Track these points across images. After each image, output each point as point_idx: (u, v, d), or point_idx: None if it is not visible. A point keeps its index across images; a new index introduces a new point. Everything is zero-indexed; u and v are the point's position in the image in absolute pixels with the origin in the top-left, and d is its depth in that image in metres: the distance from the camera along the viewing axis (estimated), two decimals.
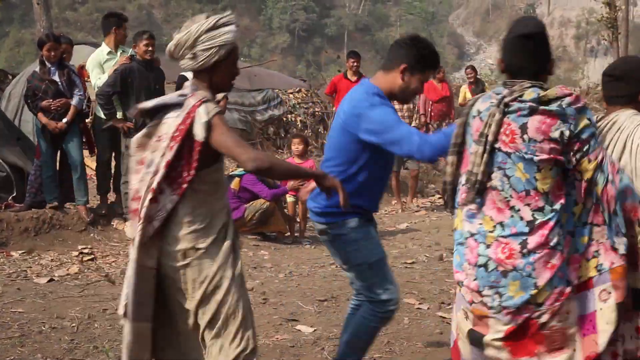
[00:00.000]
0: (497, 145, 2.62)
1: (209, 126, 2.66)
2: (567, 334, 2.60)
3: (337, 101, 9.33)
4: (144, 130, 2.84)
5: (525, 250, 2.57)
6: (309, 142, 9.10)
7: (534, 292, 2.56)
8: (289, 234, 7.71)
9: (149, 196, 2.71)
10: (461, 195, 2.73)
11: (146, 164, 2.79)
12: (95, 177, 7.69)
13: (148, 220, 2.72)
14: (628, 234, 2.64)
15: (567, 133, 2.52)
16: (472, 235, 2.68)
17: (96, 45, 8.26)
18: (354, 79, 9.39)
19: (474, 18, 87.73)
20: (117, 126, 6.94)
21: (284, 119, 13.06)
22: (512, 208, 2.60)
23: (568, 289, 2.59)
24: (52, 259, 6.39)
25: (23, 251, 6.53)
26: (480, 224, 2.66)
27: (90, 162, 8.00)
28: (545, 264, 2.56)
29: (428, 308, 5.15)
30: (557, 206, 2.58)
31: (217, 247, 2.78)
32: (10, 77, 12.24)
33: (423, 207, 9.97)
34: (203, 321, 2.77)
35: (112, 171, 7.51)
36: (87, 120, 7.39)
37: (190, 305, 2.79)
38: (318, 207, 3.40)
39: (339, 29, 67.71)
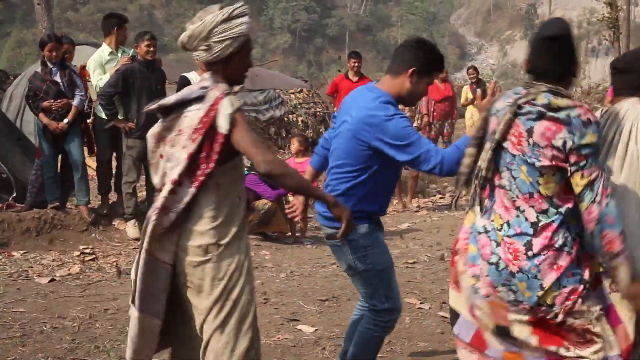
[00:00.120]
0: (505, 145, 2.65)
1: (233, 120, 2.63)
2: (591, 330, 2.61)
3: (338, 101, 9.35)
4: (162, 124, 2.79)
5: (530, 253, 2.60)
6: (309, 142, 9.09)
7: (540, 293, 2.59)
8: (290, 234, 7.72)
9: (169, 187, 2.68)
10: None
11: (166, 158, 2.75)
12: (96, 177, 7.70)
13: (164, 211, 2.68)
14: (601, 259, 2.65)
15: (569, 143, 2.53)
16: (486, 231, 2.72)
17: (97, 46, 8.26)
18: (355, 79, 9.41)
19: (476, 18, 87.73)
20: (118, 126, 6.95)
21: (285, 119, 13.06)
22: (517, 208, 2.64)
23: (580, 287, 2.60)
24: (53, 259, 6.39)
25: (24, 251, 6.53)
26: (492, 220, 2.71)
27: (91, 162, 8.01)
28: (550, 266, 2.59)
29: (429, 308, 5.15)
30: (562, 209, 2.60)
31: (236, 243, 2.75)
32: (12, 78, 12.25)
33: (424, 207, 9.98)
34: (218, 319, 2.72)
35: (114, 171, 7.52)
36: (88, 121, 7.39)
37: (205, 302, 2.73)
38: (328, 211, 3.35)
39: (340, 29, 67.77)
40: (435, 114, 10.53)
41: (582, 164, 2.54)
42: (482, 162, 2.71)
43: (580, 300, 2.60)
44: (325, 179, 3.49)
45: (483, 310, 2.75)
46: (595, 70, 55.54)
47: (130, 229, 7.13)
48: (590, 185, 2.53)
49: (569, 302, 2.59)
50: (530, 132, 2.58)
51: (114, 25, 7.28)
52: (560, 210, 2.60)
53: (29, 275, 5.87)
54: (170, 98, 2.79)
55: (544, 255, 2.58)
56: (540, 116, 2.57)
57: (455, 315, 2.96)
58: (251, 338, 2.75)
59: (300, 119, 13.39)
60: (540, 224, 2.60)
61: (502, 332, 2.74)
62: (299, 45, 65.04)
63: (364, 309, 3.53)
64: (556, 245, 2.59)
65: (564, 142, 2.53)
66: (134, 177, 7.04)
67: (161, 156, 2.77)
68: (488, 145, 2.69)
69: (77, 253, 6.56)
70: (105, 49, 7.31)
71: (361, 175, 3.26)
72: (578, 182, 2.55)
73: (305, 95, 14.05)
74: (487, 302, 2.72)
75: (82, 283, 5.72)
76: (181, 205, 2.68)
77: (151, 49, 6.94)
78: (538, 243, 2.59)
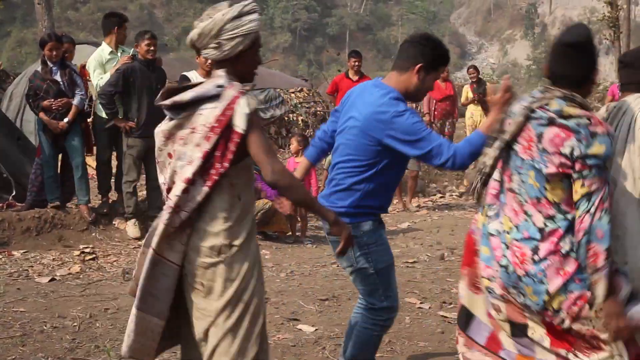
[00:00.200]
0: (515, 148, 2.67)
1: (250, 120, 2.60)
2: (599, 336, 2.59)
3: (339, 100, 9.33)
4: (172, 122, 2.72)
5: (536, 257, 2.61)
6: (309, 141, 9.11)
7: (546, 298, 2.59)
8: (290, 233, 7.73)
9: (182, 186, 2.63)
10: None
11: (176, 156, 2.69)
12: (96, 177, 7.70)
13: (176, 210, 2.63)
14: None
15: (576, 152, 2.53)
16: (498, 234, 2.74)
17: (98, 45, 8.26)
18: (355, 78, 9.42)
19: (476, 17, 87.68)
20: (118, 125, 6.95)
21: (286, 118, 13.07)
22: (525, 212, 2.66)
23: (588, 293, 2.58)
24: (53, 259, 6.39)
25: (24, 250, 6.53)
26: (502, 222, 2.72)
27: (91, 162, 8.01)
28: (557, 271, 2.59)
29: (429, 307, 5.15)
30: (569, 216, 2.60)
31: (248, 244, 2.71)
32: (12, 77, 12.26)
33: (424, 207, 9.98)
34: (229, 322, 2.65)
35: (114, 170, 7.52)
36: (88, 120, 7.39)
37: (215, 304, 2.66)
38: (332, 207, 3.29)
39: (340, 28, 67.75)
40: (436, 113, 10.54)
41: (584, 173, 2.53)
42: (488, 159, 2.72)
43: (587, 306, 2.58)
44: (326, 177, 3.49)
45: (499, 309, 2.76)
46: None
47: (131, 228, 7.13)
48: (588, 195, 2.53)
49: (575, 308, 2.58)
50: (540, 137, 2.59)
51: (114, 25, 7.28)
52: (567, 216, 2.60)
53: (29, 275, 5.87)
54: (186, 95, 2.69)
55: (550, 260, 2.59)
56: (550, 122, 2.58)
57: (464, 315, 2.96)
58: (262, 341, 2.72)
59: (300, 118, 13.40)
60: (547, 229, 2.61)
61: (518, 333, 2.75)
62: (299, 45, 65.03)
63: (362, 307, 3.54)
64: (563, 251, 2.59)
65: (572, 150, 2.53)
66: (134, 177, 7.04)
67: (169, 155, 2.71)
68: (497, 144, 2.71)
69: (78, 252, 6.56)
70: (105, 48, 7.31)
71: (369, 171, 3.26)
72: (577, 190, 2.56)
73: (306, 95, 14.06)
74: (504, 301, 2.74)
75: (82, 282, 5.72)
76: (193, 205, 2.64)
77: (151, 48, 6.93)
78: (544, 248, 2.60)
